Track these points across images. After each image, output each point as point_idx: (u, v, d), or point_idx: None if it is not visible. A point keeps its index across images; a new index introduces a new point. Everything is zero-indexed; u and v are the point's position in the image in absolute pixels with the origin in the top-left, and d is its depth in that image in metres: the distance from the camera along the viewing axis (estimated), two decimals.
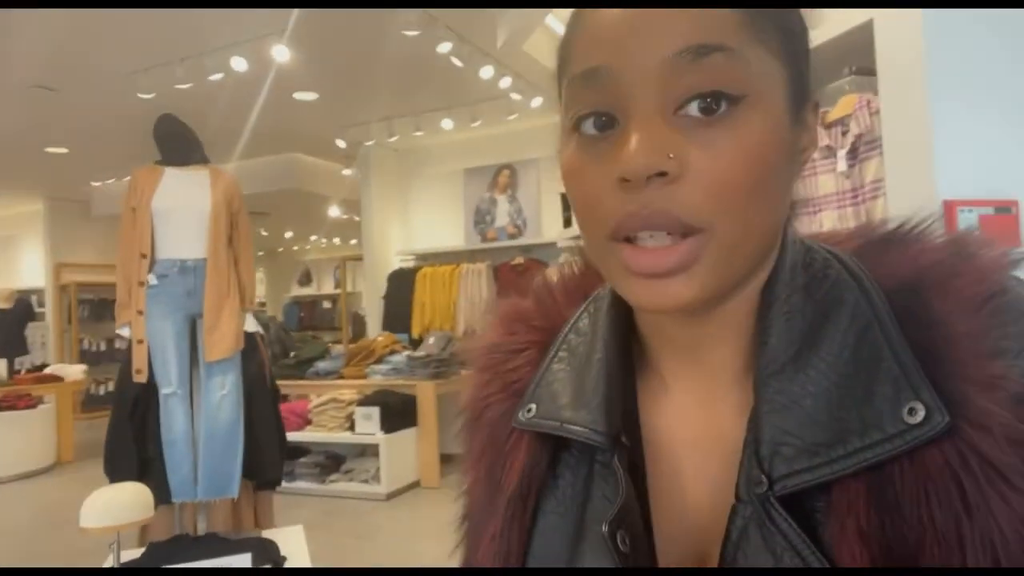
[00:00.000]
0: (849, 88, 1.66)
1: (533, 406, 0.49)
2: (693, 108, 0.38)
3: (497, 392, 0.53)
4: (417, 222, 6.86)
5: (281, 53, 3.89)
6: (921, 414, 0.36)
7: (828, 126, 1.69)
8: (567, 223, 3.70)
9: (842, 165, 1.66)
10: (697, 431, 0.46)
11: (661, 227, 0.38)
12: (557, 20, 4.06)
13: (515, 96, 4.98)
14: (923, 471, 0.36)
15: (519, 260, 6.01)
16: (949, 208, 1.23)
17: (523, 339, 0.54)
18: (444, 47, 4.01)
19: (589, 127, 0.41)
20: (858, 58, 1.65)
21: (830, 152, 1.69)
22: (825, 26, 1.66)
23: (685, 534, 0.45)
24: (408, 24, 3.73)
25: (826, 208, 1.71)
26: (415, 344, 5.81)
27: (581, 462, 0.47)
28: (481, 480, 0.52)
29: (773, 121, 0.39)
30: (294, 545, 2.37)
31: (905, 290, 0.41)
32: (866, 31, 1.48)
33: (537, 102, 5.12)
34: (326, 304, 12.37)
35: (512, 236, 6.24)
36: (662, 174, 0.37)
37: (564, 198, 3.86)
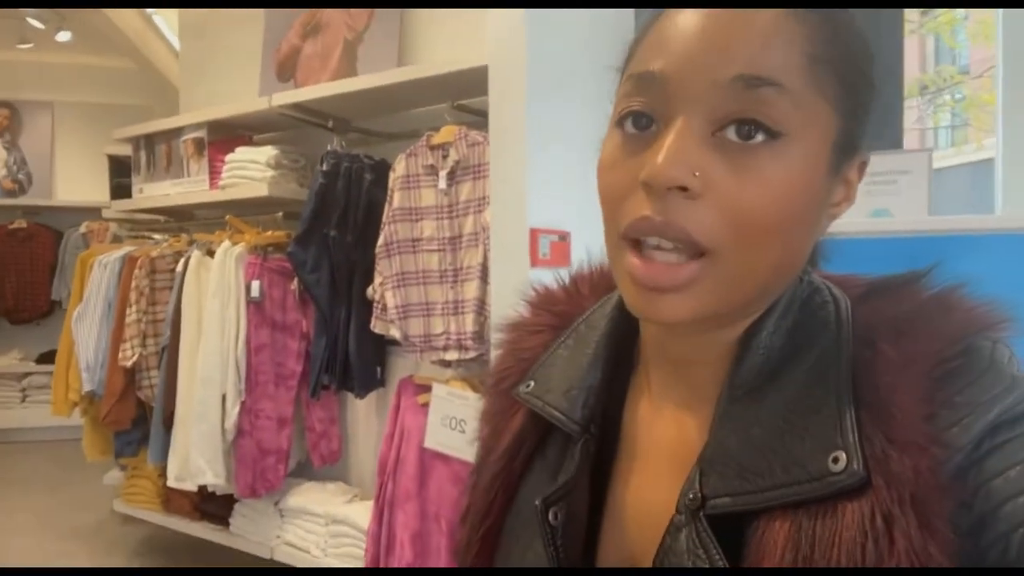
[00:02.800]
0: (449, 118, 1.94)
1: (532, 383, 0.53)
2: (731, 132, 0.39)
3: (512, 366, 0.56)
4: None
5: None
6: (842, 463, 0.37)
7: (432, 148, 1.95)
8: (117, 193, 3.18)
9: (442, 184, 1.93)
10: (666, 436, 0.48)
11: (671, 238, 0.39)
12: None
13: (34, 22, 4.02)
14: (839, 521, 0.37)
15: (20, 224, 4.84)
16: (533, 234, 1.59)
17: (542, 321, 0.57)
18: None
19: (630, 125, 0.41)
20: (461, 94, 1.94)
21: (433, 171, 1.95)
22: (438, 64, 1.90)
23: (630, 528, 0.48)
24: None
25: (427, 217, 1.96)
26: None
27: (564, 441, 0.51)
28: (486, 439, 0.57)
29: (809, 166, 0.40)
30: None
31: (867, 339, 0.42)
32: (473, 74, 1.77)
33: (64, 36, 4.23)
34: None
35: (10, 192, 4.99)
36: (683, 188, 0.38)
37: (114, 160, 3.29)
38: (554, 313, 0.57)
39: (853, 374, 0.41)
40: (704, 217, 0.38)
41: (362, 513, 2.12)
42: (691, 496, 0.41)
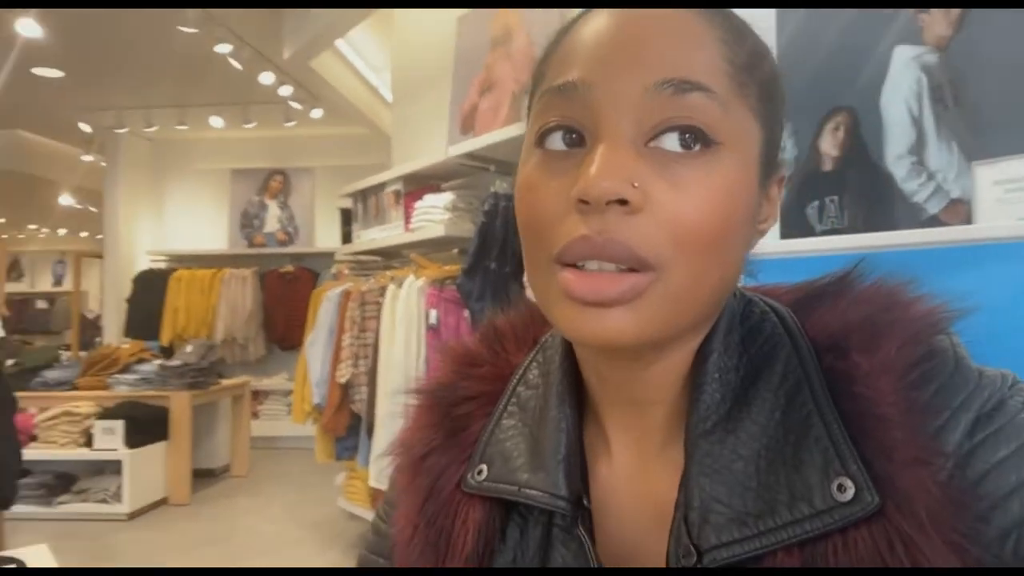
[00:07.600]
0: None
1: (484, 467, 0.45)
2: (666, 141, 0.36)
3: (442, 440, 0.48)
4: (173, 221, 6.38)
5: (28, 27, 3.48)
6: (851, 492, 0.35)
7: None
8: (346, 239, 3.82)
9: None
10: (636, 490, 0.44)
11: (613, 258, 0.35)
12: (348, 45, 4.19)
13: (294, 104, 4.97)
14: (855, 553, 0.34)
15: (289, 268, 5.92)
16: None
17: (472, 387, 0.49)
18: (223, 48, 3.90)
19: (555, 141, 0.38)
20: None
21: None
22: None
23: None
24: (185, 21, 3.58)
25: None
26: (166, 352, 5.41)
27: (535, 524, 0.44)
28: (421, 531, 0.46)
29: (742, 178, 0.37)
30: (40, 565, 2.19)
31: (835, 348, 0.39)
32: None
33: (317, 113, 5.14)
34: (40, 303, 10.68)
35: (282, 243, 6.12)
36: (623, 202, 0.35)
37: (345, 213, 3.96)
38: (479, 377, 0.50)
39: (828, 387, 0.38)
40: (646, 231, 0.35)
41: None
42: (682, 553, 0.37)
